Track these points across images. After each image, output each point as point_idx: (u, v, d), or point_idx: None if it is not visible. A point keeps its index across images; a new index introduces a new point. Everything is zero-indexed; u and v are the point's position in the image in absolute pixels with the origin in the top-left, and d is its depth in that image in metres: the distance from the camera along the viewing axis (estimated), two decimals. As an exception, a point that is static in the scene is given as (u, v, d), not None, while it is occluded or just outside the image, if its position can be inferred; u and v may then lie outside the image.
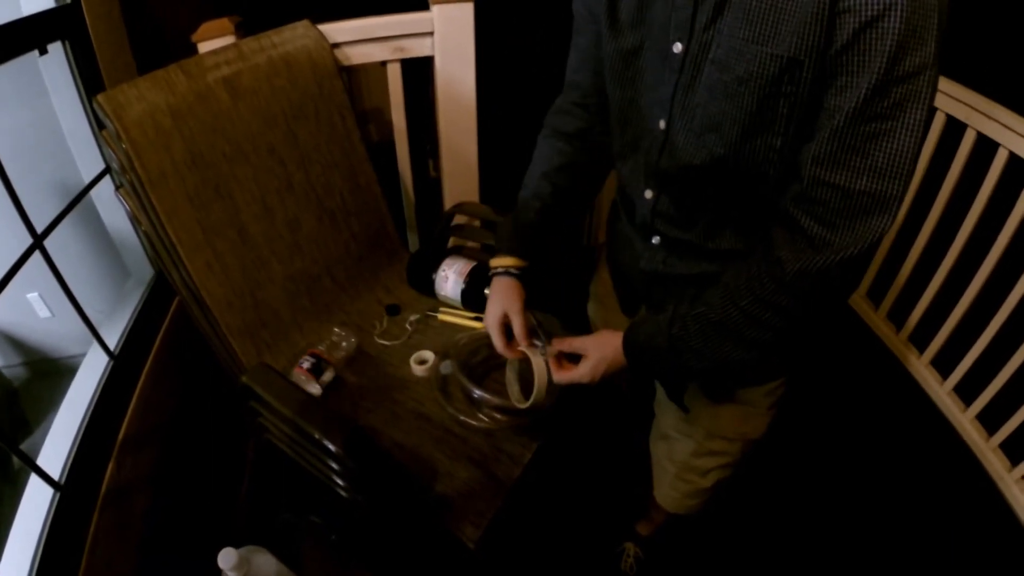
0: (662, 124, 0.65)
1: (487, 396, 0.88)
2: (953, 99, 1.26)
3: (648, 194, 0.72)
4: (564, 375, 0.77)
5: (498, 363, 1.01)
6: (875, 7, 0.47)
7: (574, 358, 0.78)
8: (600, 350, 0.75)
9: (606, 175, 0.88)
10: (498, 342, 0.81)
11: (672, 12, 0.59)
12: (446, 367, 0.98)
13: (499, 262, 0.84)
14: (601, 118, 0.79)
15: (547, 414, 0.89)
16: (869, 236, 0.55)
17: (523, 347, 0.79)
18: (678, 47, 0.60)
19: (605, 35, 0.68)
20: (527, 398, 0.81)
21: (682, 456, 0.93)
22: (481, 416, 0.92)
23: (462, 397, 0.94)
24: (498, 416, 0.91)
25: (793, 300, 0.59)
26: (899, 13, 0.47)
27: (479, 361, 1.00)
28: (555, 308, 1.03)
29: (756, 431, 0.87)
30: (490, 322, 0.82)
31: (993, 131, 1.20)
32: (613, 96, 0.71)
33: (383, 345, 1.08)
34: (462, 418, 0.91)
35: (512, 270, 0.83)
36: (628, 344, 0.72)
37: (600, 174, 0.87)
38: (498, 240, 0.86)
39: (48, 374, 1.86)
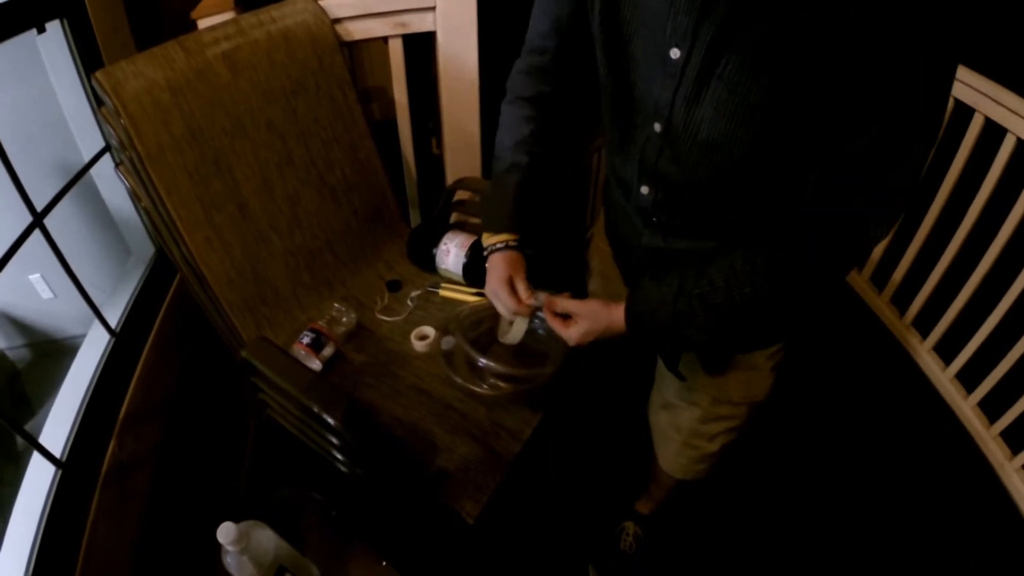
0: (657, 127, 0.64)
1: (491, 364, 0.88)
2: (961, 83, 1.24)
3: (645, 190, 0.72)
4: (559, 328, 0.77)
5: None
6: (905, 61, 0.49)
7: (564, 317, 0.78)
8: (591, 319, 0.74)
9: (584, 143, 0.87)
10: (509, 300, 0.80)
11: (671, 13, 0.57)
12: (448, 343, 0.97)
13: (494, 239, 0.83)
14: (568, 88, 0.78)
15: (550, 383, 0.89)
16: (865, 244, 0.59)
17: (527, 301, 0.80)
18: (676, 53, 0.58)
19: (594, 17, 0.65)
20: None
21: (689, 423, 0.94)
22: (486, 386, 0.92)
23: (466, 368, 0.94)
24: (502, 385, 0.90)
25: (790, 291, 0.64)
26: (922, 73, 0.49)
27: (482, 332, 1.00)
28: (557, 287, 1.02)
29: (761, 393, 0.89)
30: (496, 285, 0.81)
31: (1001, 116, 1.19)
32: (604, 82, 0.70)
33: (384, 321, 1.08)
34: (469, 386, 0.91)
35: (510, 243, 0.82)
36: (630, 314, 0.72)
37: (574, 142, 0.87)
38: (485, 220, 0.85)
39: (51, 355, 1.86)
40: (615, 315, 0.73)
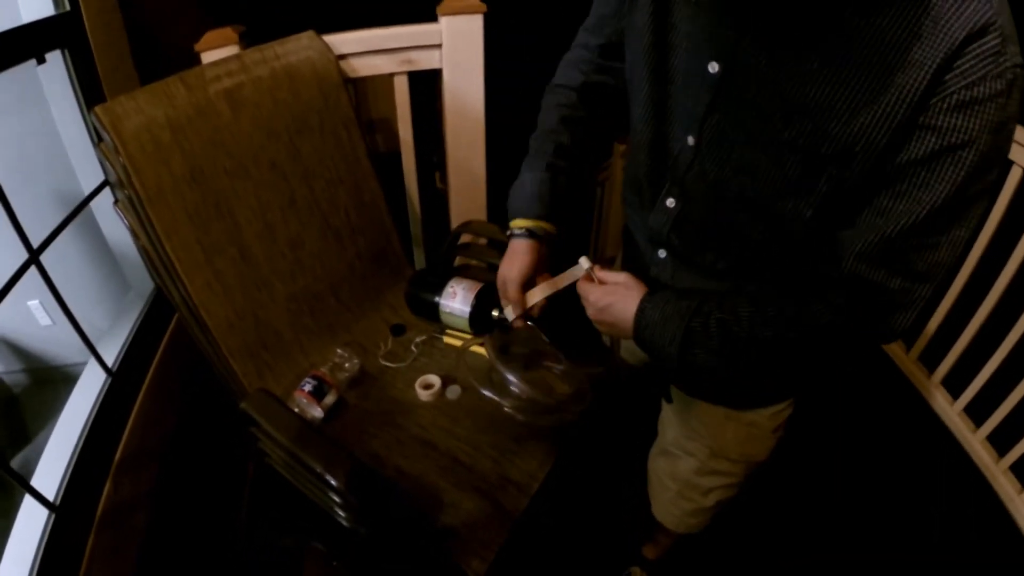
0: (690, 140, 0.62)
1: (524, 386, 0.82)
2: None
3: (671, 202, 0.69)
4: (582, 285, 0.72)
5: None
6: (959, 135, 0.47)
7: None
8: (607, 287, 0.70)
9: (593, 166, 0.84)
10: (513, 295, 0.76)
11: (713, 23, 0.55)
12: (453, 392, 0.96)
13: (524, 223, 0.76)
14: (604, 82, 0.77)
15: (570, 421, 0.86)
16: (892, 328, 0.57)
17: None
18: (714, 67, 0.56)
19: (643, 17, 0.62)
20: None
21: (685, 473, 0.92)
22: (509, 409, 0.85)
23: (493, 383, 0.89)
24: (520, 417, 0.85)
25: (809, 352, 0.62)
26: (979, 148, 0.48)
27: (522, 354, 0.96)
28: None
29: (760, 453, 0.86)
30: (504, 276, 0.77)
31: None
32: (639, 89, 0.67)
33: (387, 367, 1.06)
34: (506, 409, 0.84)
35: (537, 230, 0.76)
36: (640, 316, 0.66)
37: (606, 135, 0.84)
38: (515, 204, 0.78)
39: (49, 382, 1.84)
40: (629, 300, 0.67)
